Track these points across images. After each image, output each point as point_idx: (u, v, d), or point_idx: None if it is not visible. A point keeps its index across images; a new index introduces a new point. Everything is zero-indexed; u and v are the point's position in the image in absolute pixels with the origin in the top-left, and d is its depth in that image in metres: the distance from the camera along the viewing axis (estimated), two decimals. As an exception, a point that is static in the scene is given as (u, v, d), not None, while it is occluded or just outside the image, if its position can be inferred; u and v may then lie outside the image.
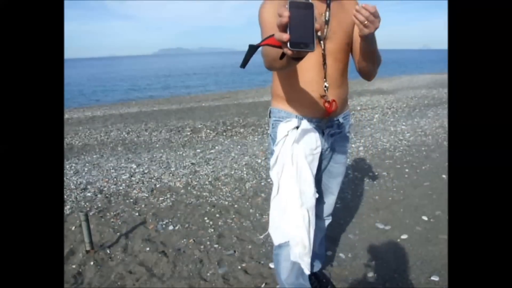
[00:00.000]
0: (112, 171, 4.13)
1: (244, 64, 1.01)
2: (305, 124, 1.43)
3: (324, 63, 1.39)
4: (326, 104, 1.41)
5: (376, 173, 3.85)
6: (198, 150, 4.99)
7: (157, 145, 5.44)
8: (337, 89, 1.45)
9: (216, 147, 5.13)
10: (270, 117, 1.57)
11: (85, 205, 3.18)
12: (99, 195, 3.40)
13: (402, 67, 34.00)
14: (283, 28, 0.78)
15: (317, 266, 2.03)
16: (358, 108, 8.09)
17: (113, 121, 7.80)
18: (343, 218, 2.86)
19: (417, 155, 4.46)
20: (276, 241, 1.52)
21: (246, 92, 13.85)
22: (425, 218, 2.80)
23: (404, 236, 2.56)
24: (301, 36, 0.77)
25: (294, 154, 1.42)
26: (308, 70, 1.38)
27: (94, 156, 4.91)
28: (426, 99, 9.35)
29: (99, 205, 3.19)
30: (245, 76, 25.88)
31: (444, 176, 3.66)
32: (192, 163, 4.34)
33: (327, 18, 1.37)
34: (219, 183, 3.68)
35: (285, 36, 0.77)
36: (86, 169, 4.25)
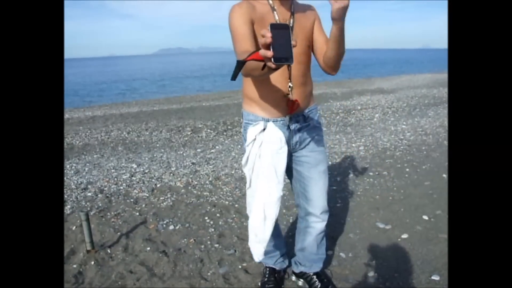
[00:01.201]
0: (112, 170, 4.13)
1: (234, 77, 1.15)
2: (270, 126, 1.58)
3: (288, 65, 1.50)
4: (290, 103, 1.56)
5: (377, 173, 3.85)
6: (199, 150, 5.00)
7: (158, 145, 5.45)
8: (300, 87, 1.58)
9: (217, 147, 5.13)
10: (242, 118, 1.73)
11: (86, 205, 3.18)
12: (99, 195, 3.41)
13: (402, 66, 33.98)
14: (267, 46, 0.93)
15: (318, 267, 2.02)
16: (359, 107, 8.09)
17: (113, 120, 7.81)
18: (343, 218, 2.87)
19: (418, 154, 4.46)
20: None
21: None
22: (425, 217, 2.80)
23: (404, 236, 2.56)
24: (282, 52, 0.94)
25: (261, 155, 1.58)
26: (274, 73, 1.43)
27: (95, 156, 4.91)
28: (426, 98, 9.34)
29: (100, 204, 3.19)
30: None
31: (444, 175, 3.66)
32: (193, 163, 4.34)
33: (291, 25, 1.51)
34: (220, 183, 3.68)
35: (269, 53, 0.93)
36: (86, 169, 4.25)
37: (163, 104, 11.22)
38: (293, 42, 0.95)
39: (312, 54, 1.63)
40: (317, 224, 1.83)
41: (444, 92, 10.45)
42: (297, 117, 1.64)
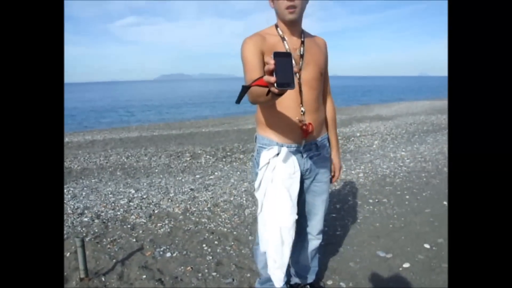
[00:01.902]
0: (110, 195, 4.10)
1: (238, 100, 1.26)
2: (284, 151, 1.60)
3: (300, 91, 1.58)
4: (304, 127, 1.60)
5: (377, 200, 3.81)
6: (198, 176, 4.97)
7: (156, 170, 5.43)
8: (313, 113, 1.63)
9: (216, 173, 5.11)
10: (255, 142, 1.75)
11: (82, 231, 3.13)
12: (96, 220, 3.36)
13: (400, 93, 34.38)
14: (270, 72, 1.03)
15: (311, 278, 2.13)
16: (358, 134, 8.12)
17: (113, 145, 7.81)
18: (343, 246, 2.82)
19: (418, 181, 4.44)
20: (262, 248, 1.69)
21: (246, 118, 13.93)
22: (427, 246, 2.76)
23: (406, 265, 2.51)
24: (284, 78, 1.03)
25: (274, 179, 1.60)
26: (286, 98, 1.50)
27: (93, 180, 4.88)
28: (425, 125, 9.40)
29: (96, 230, 3.14)
30: (245, 102, 26.07)
31: (445, 202, 3.62)
32: (191, 189, 4.31)
33: (301, 53, 1.59)
34: (218, 209, 3.64)
35: (273, 79, 1.02)
36: (84, 193, 4.21)
37: (162, 129, 11.26)
38: (295, 69, 1.06)
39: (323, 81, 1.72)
40: (313, 241, 1.94)
41: (442, 118, 10.52)
42: (310, 145, 1.70)
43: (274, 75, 1.02)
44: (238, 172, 5.08)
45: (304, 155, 1.70)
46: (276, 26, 1.62)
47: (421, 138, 7.54)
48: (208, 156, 6.21)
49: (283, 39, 1.58)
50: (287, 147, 1.64)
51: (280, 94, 1.07)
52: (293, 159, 1.62)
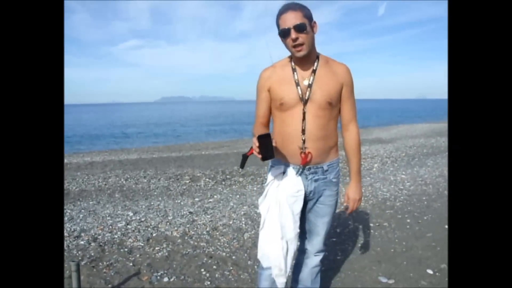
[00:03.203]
0: (108, 218, 4.05)
1: (242, 166, 1.71)
2: (290, 170, 1.74)
3: (303, 120, 1.67)
4: (302, 155, 1.69)
5: (377, 224, 3.77)
6: (197, 199, 4.93)
7: (155, 193, 5.39)
8: (316, 141, 1.70)
9: (215, 196, 5.07)
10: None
11: (77, 254, 3.07)
12: (92, 244, 3.31)
13: (400, 116, 34.60)
14: (257, 150, 1.45)
15: None
16: (357, 157, 8.10)
17: (112, 167, 7.79)
18: (344, 271, 2.76)
19: (418, 204, 4.40)
20: (264, 265, 1.81)
21: (245, 141, 13.96)
22: (430, 271, 2.70)
23: (408, 291, 2.45)
24: (266, 153, 1.46)
25: (278, 195, 1.73)
26: (290, 125, 1.70)
27: (91, 202, 4.83)
28: (424, 148, 9.41)
29: (92, 254, 3.09)
30: (245, 125, 26.24)
31: (447, 226, 3.58)
32: (190, 212, 4.26)
33: (310, 83, 1.67)
34: (217, 233, 3.59)
35: (258, 156, 1.45)
36: (81, 215, 4.16)
37: (162, 151, 11.26)
38: (274, 144, 1.46)
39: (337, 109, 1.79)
40: (314, 258, 1.97)
41: (441, 141, 10.54)
42: (316, 168, 1.76)
43: (259, 152, 1.45)
44: (238, 196, 5.04)
45: (309, 177, 1.76)
46: (291, 57, 1.72)
47: (421, 161, 7.53)
48: (207, 179, 6.18)
49: (293, 70, 1.69)
50: (293, 167, 1.75)
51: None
52: (298, 179, 1.73)
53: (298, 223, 1.74)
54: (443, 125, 17.52)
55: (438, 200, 4.56)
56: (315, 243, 1.93)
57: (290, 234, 1.72)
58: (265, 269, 1.84)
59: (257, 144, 1.43)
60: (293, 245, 1.75)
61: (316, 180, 1.78)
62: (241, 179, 6.10)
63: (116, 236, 3.49)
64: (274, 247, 1.73)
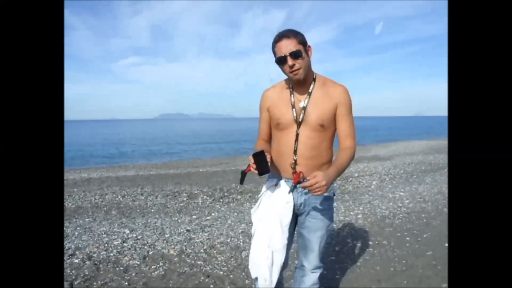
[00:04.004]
0: (103, 235, 3.99)
1: (241, 182, 1.80)
2: (281, 184, 1.84)
3: (296, 140, 1.75)
4: (294, 175, 1.75)
5: (376, 242, 3.73)
6: (194, 217, 4.88)
7: (152, 210, 5.34)
8: (308, 160, 1.77)
9: (213, 214, 5.02)
10: None
11: (71, 273, 3.02)
12: (87, 262, 3.25)
13: (397, 133, 34.75)
14: (253, 166, 1.59)
15: None
16: (356, 175, 8.09)
17: (109, 183, 7.74)
18: (343, 291, 2.72)
19: (418, 222, 4.37)
20: (253, 275, 1.84)
21: (243, 159, 13.93)
22: (430, 291, 2.66)
23: (409, 312, 2.40)
24: (262, 168, 1.59)
25: (269, 206, 1.82)
26: (284, 145, 1.80)
27: (87, 219, 4.78)
28: (423, 164, 9.41)
29: (86, 273, 3.03)
30: (243, 142, 26.28)
31: (447, 245, 3.54)
32: (187, 230, 4.21)
33: (304, 105, 1.75)
34: (215, 251, 3.54)
35: (255, 172, 1.59)
36: (76, 233, 4.11)
37: (160, 168, 11.22)
38: (268, 160, 1.59)
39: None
40: (311, 275, 1.95)
41: (440, 158, 10.55)
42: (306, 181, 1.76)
43: (256, 168, 1.58)
44: (235, 213, 5.00)
45: (299, 190, 1.82)
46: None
47: (419, 178, 7.52)
48: (205, 197, 6.14)
49: (291, 92, 1.78)
50: (285, 181, 1.84)
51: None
52: (288, 190, 1.80)
53: (286, 235, 1.79)
54: (441, 142, 17.57)
55: (438, 217, 4.53)
56: (311, 259, 1.93)
57: (278, 245, 1.77)
58: (258, 281, 1.86)
59: (252, 161, 1.57)
60: (280, 257, 1.78)
61: (306, 193, 1.81)
62: (239, 197, 6.06)
63: (111, 254, 3.44)
64: (261, 257, 1.78)
